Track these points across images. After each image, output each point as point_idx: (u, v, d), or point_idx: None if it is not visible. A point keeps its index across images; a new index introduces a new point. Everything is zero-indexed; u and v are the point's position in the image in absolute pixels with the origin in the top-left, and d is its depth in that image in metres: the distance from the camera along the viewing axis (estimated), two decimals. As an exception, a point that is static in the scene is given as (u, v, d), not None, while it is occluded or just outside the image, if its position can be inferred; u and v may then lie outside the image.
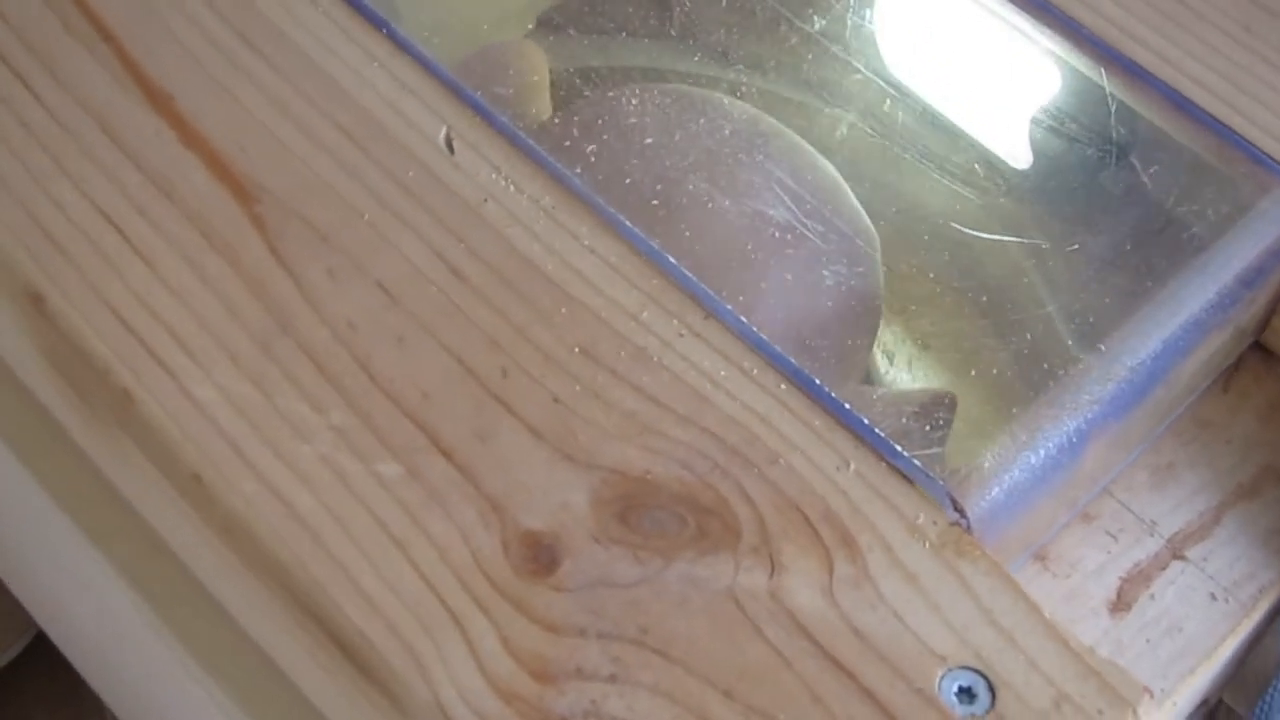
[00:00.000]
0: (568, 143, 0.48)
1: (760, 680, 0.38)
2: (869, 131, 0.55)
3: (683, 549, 0.40)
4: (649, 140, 0.49)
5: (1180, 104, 0.49)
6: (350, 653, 0.39)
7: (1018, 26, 0.52)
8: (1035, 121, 0.50)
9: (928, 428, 0.46)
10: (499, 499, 0.40)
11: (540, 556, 0.40)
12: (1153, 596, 0.47)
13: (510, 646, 0.38)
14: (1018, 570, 0.45)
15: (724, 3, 0.63)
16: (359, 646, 0.39)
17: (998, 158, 0.48)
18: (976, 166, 0.48)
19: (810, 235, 0.48)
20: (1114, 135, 0.48)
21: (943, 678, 0.39)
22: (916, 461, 0.41)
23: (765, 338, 0.43)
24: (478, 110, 0.47)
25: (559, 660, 0.38)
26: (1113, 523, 0.48)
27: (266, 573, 0.40)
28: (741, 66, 0.62)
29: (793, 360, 0.43)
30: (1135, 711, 0.38)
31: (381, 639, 0.38)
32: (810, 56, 0.59)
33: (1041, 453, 0.42)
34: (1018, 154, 0.55)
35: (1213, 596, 0.47)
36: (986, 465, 0.41)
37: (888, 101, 0.55)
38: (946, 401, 0.48)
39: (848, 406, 0.42)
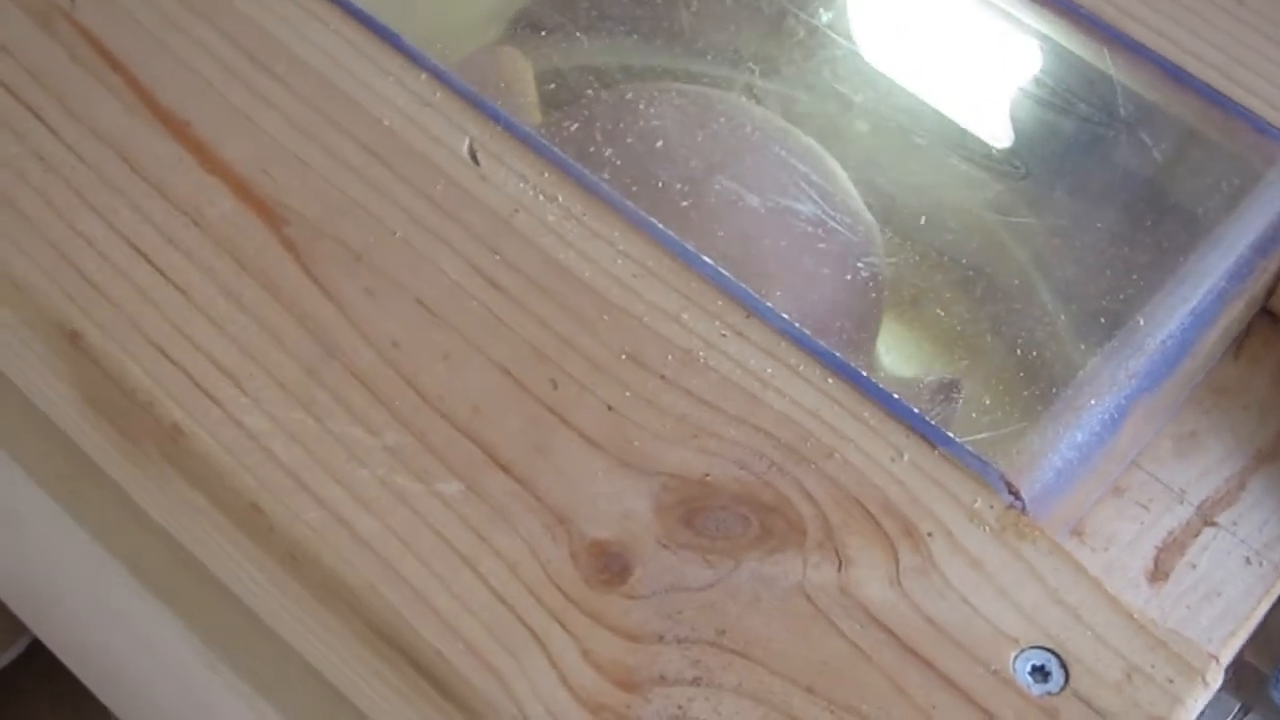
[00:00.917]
0: (591, 148, 0.48)
1: (840, 674, 0.39)
2: (862, 121, 0.56)
3: (750, 549, 0.40)
4: (668, 141, 0.49)
5: (1182, 79, 0.50)
6: (428, 674, 0.39)
7: (1011, 7, 0.53)
8: (1043, 103, 0.50)
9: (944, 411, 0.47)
10: (563, 510, 0.40)
11: (610, 565, 0.40)
12: (1189, 564, 0.48)
13: (591, 657, 0.38)
14: (1060, 547, 0.46)
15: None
16: (437, 667, 0.38)
17: (1020, 141, 0.49)
18: (993, 150, 0.48)
19: (830, 230, 0.48)
20: (1121, 113, 0.48)
21: (1016, 659, 0.39)
22: (968, 447, 0.42)
23: (809, 335, 0.43)
24: (498, 120, 0.47)
25: (641, 668, 0.38)
26: (1143, 494, 0.49)
27: (335, 599, 0.40)
28: (722, 60, 0.62)
29: (838, 354, 0.43)
30: (1204, 678, 0.39)
31: (460, 658, 0.38)
32: (787, 45, 0.60)
33: (1087, 430, 0.43)
34: (999, 134, 0.56)
35: (1247, 560, 0.48)
36: (1035, 446, 0.42)
37: (876, 89, 0.56)
38: (954, 386, 0.48)
39: (896, 397, 0.42)
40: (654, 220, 0.45)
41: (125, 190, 0.45)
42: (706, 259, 0.44)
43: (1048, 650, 0.39)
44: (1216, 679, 0.40)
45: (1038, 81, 0.50)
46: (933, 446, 0.42)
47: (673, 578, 0.40)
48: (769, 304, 0.44)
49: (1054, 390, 0.43)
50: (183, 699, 0.52)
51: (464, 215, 0.45)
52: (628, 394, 0.42)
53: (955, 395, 0.48)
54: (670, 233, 0.45)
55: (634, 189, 0.47)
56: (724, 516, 0.41)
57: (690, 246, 0.45)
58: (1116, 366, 0.44)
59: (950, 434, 0.42)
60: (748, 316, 0.44)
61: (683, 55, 0.65)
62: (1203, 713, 0.40)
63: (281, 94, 0.47)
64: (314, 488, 0.40)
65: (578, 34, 0.67)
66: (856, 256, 0.51)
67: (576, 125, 0.50)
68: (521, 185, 0.46)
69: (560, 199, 0.46)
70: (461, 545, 0.40)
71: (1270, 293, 0.52)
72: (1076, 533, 0.48)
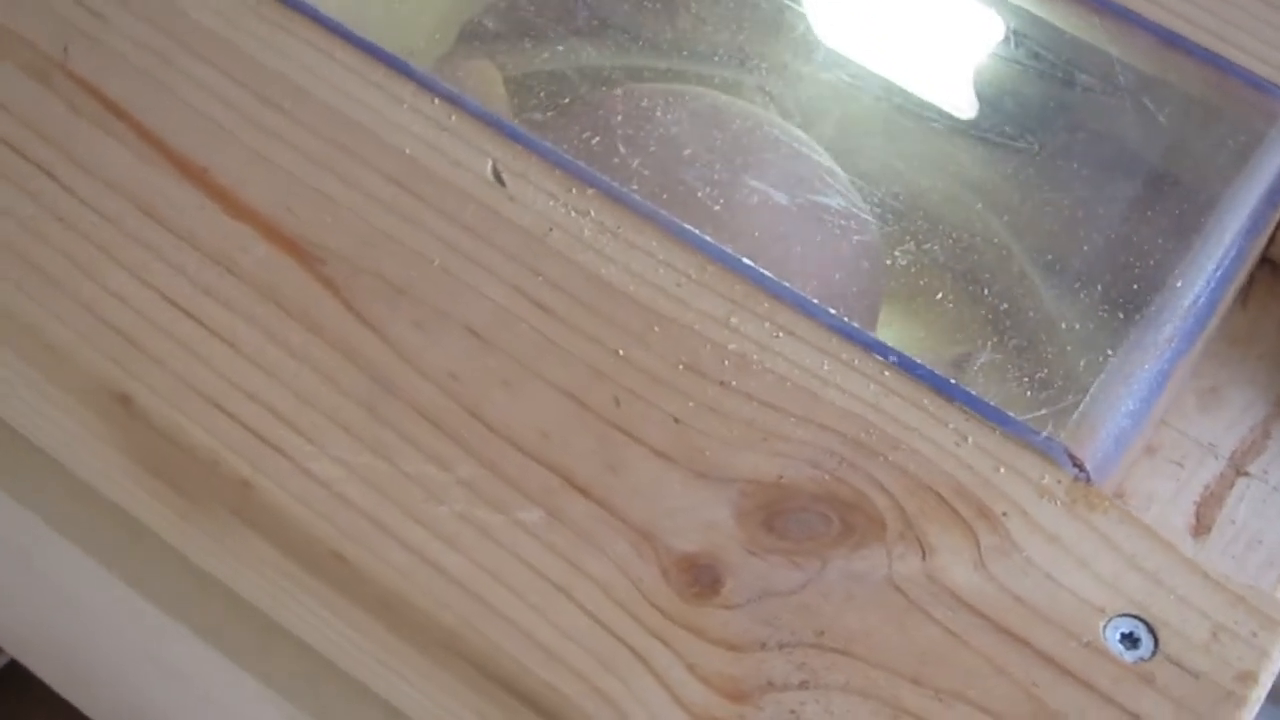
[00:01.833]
0: (616, 159, 0.48)
1: (941, 662, 0.39)
2: (864, 108, 0.56)
3: (834, 547, 0.41)
4: (680, 143, 0.49)
5: (1176, 42, 0.51)
6: (536, 706, 0.39)
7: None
8: (1045, 78, 0.51)
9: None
10: (646, 527, 0.40)
11: (701, 578, 0.40)
12: (1228, 515, 0.49)
13: (697, 672, 0.39)
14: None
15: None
16: (547, 698, 0.38)
17: (1030, 118, 0.50)
18: (1006, 126, 0.49)
19: (847, 220, 0.49)
20: (1121, 82, 0.49)
21: (1105, 628, 0.40)
22: (1029, 425, 0.42)
23: (859, 327, 0.44)
24: (517, 139, 0.47)
25: (748, 677, 0.39)
26: (1174, 451, 0.50)
27: (429, 642, 0.40)
28: (688, 56, 0.62)
29: (890, 346, 0.43)
30: (1284, 629, 0.40)
31: (570, 686, 0.38)
32: (744, 35, 0.60)
33: (1137, 397, 0.44)
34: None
35: (1282, 505, 0.49)
36: (1091, 417, 0.43)
37: (863, 74, 0.56)
38: (967, 359, 0.49)
39: (953, 382, 0.43)
40: (690, 227, 0.45)
41: (152, 243, 0.44)
42: (748, 261, 0.45)
43: (1134, 617, 0.40)
44: (1295, 628, 0.41)
45: (1036, 55, 0.51)
46: (994, 428, 0.43)
47: (764, 584, 0.40)
48: (815, 301, 0.44)
49: (1099, 360, 0.44)
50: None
51: (499, 238, 0.45)
52: (691, 404, 0.42)
53: (970, 369, 0.49)
54: (708, 238, 0.45)
55: (664, 196, 0.47)
56: (804, 517, 0.41)
57: (729, 250, 0.45)
58: (1157, 331, 0.45)
59: (1009, 413, 0.42)
60: (795, 315, 0.44)
61: (641, 53, 0.65)
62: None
63: (293, 130, 0.47)
64: (395, 530, 0.40)
65: (528, 40, 0.67)
66: (861, 242, 0.51)
67: (588, 134, 0.50)
68: (551, 203, 0.46)
69: (592, 213, 0.46)
70: (552, 573, 0.40)
71: (1269, 242, 0.53)
72: (1118, 495, 0.49)
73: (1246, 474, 0.50)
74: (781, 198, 0.47)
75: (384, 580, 0.40)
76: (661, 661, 0.39)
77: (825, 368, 0.43)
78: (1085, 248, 0.47)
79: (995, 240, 0.47)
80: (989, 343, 0.45)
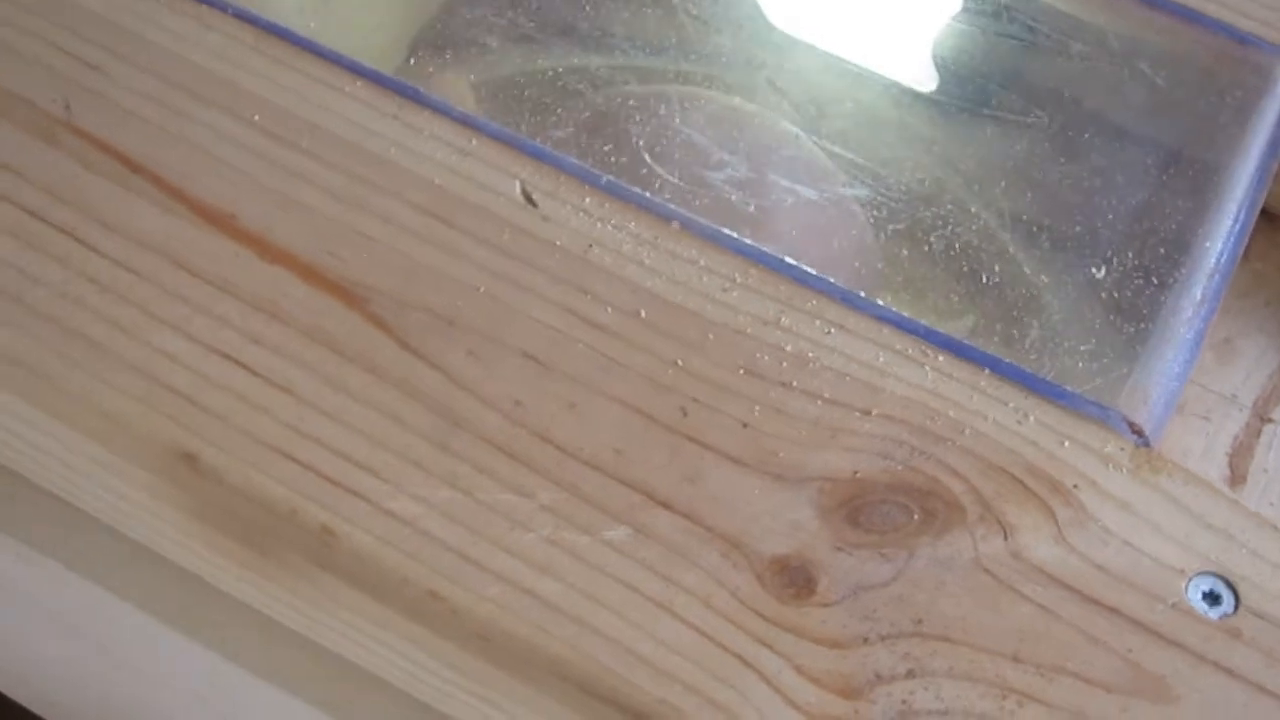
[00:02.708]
0: (645, 172, 0.48)
1: (1038, 638, 0.40)
2: (868, 95, 0.56)
3: (918, 535, 0.41)
4: (702, 146, 0.49)
5: (1156, 3, 0.52)
6: (654, 723, 0.39)
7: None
8: (1040, 50, 0.52)
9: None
10: (733, 535, 0.41)
11: (795, 580, 0.40)
12: (1259, 464, 0.50)
13: (806, 672, 0.39)
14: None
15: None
16: (663, 714, 0.38)
17: (1035, 92, 0.51)
18: (1014, 98, 0.50)
19: (853, 209, 0.49)
20: (1114, 47, 0.50)
21: (1187, 588, 0.41)
22: (1087, 397, 0.43)
23: (908, 316, 0.44)
24: (541, 157, 0.47)
25: (856, 672, 0.39)
26: (1199, 406, 0.51)
27: (533, 670, 0.39)
28: (650, 55, 0.62)
29: (939, 331, 0.44)
30: (1356, 570, 0.41)
31: (684, 700, 0.38)
32: (693, 30, 0.60)
33: (1180, 360, 0.45)
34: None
35: (1309, 448, 0.50)
36: (1142, 384, 0.44)
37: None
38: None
39: (1007, 361, 0.44)
40: (727, 231, 0.45)
41: (191, 297, 0.43)
42: (790, 260, 0.45)
43: (1213, 575, 0.41)
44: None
45: (1030, 29, 0.52)
46: (1053, 402, 0.43)
47: (856, 578, 0.40)
48: (861, 293, 0.44)
49: (1138, 327, 0.45)
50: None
51: (540, 260, 0.45)
52: (756, 408, 0.43)
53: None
54: (747, 240, 0.45)
55: (697, 203, 0.47)
56: (885, 509, 0.41)
57: (769, 250, 0.45)
58: (1188, 293, 0.46)
59: (1066, 387, 0.43)
60: (843, 309, 0.45)
61: (596, 51, 0.64)
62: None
63: (315, 168, 0.46)
64: (486, 562, 0.40)
65: (479, 48, 0.67)
66: (862, 230, 0.52)
67: (608, 146, 0.50)
68: (585, 218, 0.46)
69: (631, 226, 0.46)
70: (649, 589, 0.40)
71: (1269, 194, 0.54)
72: (1153, 454, 0.50)
73: (1271, 420, 0.51)
74: (810, 193, 0.47)
75: (481, 613, 0.39)
76: (770, 666, 0.39)
77: (880, 359, 0.44)
78: (1110, 216, 0.48)
79: (1024, 218, 0.48)
80: (1036, 319, 0.46)
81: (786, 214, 0.48)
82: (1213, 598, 0.41)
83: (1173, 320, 0.45)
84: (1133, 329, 0.45)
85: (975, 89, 0.50)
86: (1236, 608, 0.41)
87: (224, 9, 0.49)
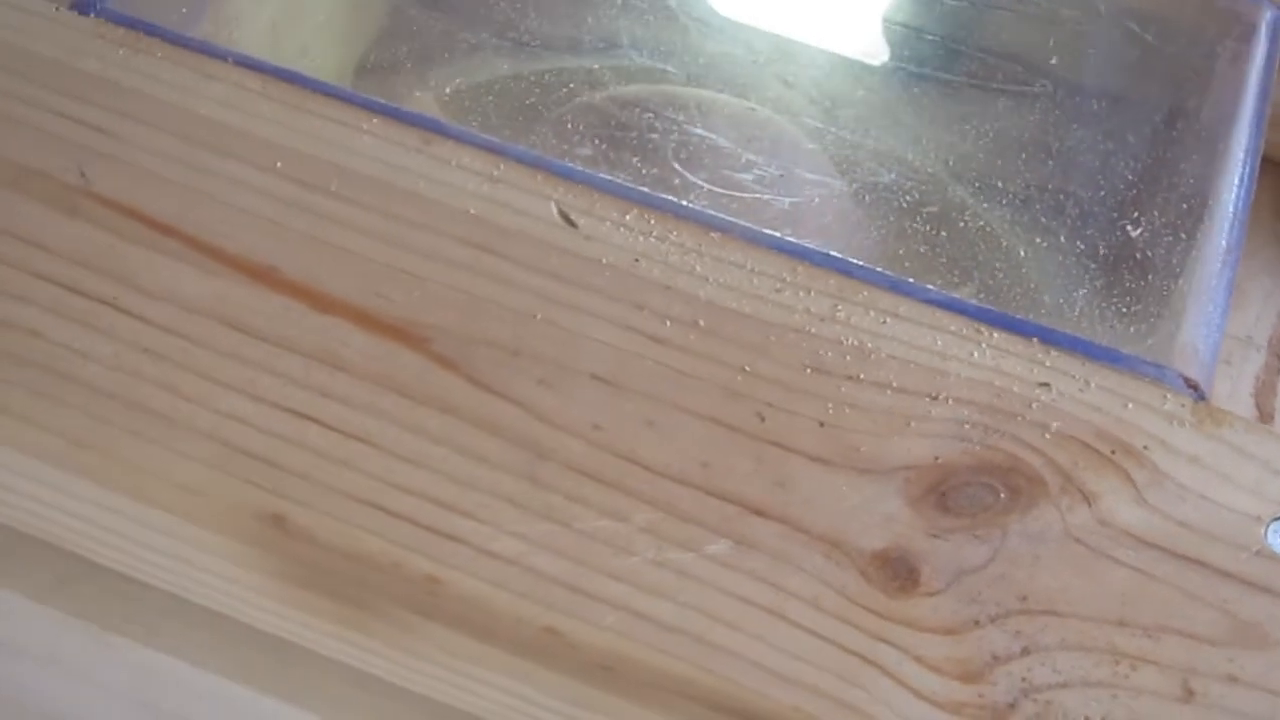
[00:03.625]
0: (677, 180, 0.48)
1: (1138, 600, 0.41)
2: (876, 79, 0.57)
3: (1008, 513, 0.42)
4: (720, 147, 0.50)
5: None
6: (788, 730, 0.39)
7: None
8: (1027, 18, 0.53)
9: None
10: (831, 535, 0.41)
11: (899, 571, 0.41)
12: (1283, 399, 0.52)
13: (927, 662, 0.40)
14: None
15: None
16: (795, 721, 0.39)
17: (1036, 62, 0.51)
18: (1018, 70, 0.51)
19: (882, 197, 0.50)
20: (1101, 10, 0.51)
21: (1267, 534, 0.42)
22: (1143, 358, 0.44)
23: (957, 297, 0.45)
24: (572, 176, 0.46)
25: (973, 656, 0.40)
26: (1219, 352, 0.53)
27: (662, 692, 0.40)
28: (601, 50, 0.62)
29: (990, 309, 0.45)
30: None
31: (814, 705, 0.39)
32: (647, 24, 0.60)
33: (1217, 309, 0.46)
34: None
35: (1326, 379, 0.52)
36: (1189, 339, 0.45)
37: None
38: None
39: (1060, 331, 0.44)
40: (769, 231, 0.46)
41: (249, 356, 0.43)
42: (835, 254, 0.45)
43: (1287, 517, 0.43)
44: None
45: None
46: (1109, 367, 0.44)
47: (956, 563, 0.41)
48: (910, 280, 0.45)
49: (1173, 283, 0.46)
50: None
51: (590, 279, 0.45)
52: (830, 406, 0.43)
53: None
54: (789, 238, 0.45)
55: (734, 206, 0.48)
56: (971, 491, 0.42)
57: (813, 246, 0.45)
58: (1215, 244, 0.47)
59: (1122, 350, 0.44)
60: (895, 297, 0.45)
61: (547, 55, 0.64)
62: None
63: (349, 211, 0.45)
64: (597, 591, 0.40)
65: (420, 66, 0.66)
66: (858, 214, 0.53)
67: (638, 159, 0.50)
68: (626, 233, 0.46)
69: (673, 236, 0.46)
70: (760, 599, 0.40)
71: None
72: (1183, 402, 0.52)
73: (1286, 357, 0.53)
74: (839, 184, 0.48)
75: (601, 643, 0.39)
76: (891, 660, 0.39)
77: (938, 343, 0.44)
78: (1129, 177, 0.49)
79: (1048, 187, 0.49)
80: (1079, 286, 0.47)
81: (816, 209, 0.49)
82: (1291, 540, 0.42)
83: (1204, 272, 0.47)
84: (1171, 285, 0.46)
85: (979, 64, 0.51)
86: (1315, 547, 0.42)
87: (224, 57, 0.48)
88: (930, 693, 0.39)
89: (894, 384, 0.44)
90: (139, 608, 0.45)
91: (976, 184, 0.49)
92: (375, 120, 0.47)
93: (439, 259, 0.45)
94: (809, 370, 0.44)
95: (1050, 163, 0.50)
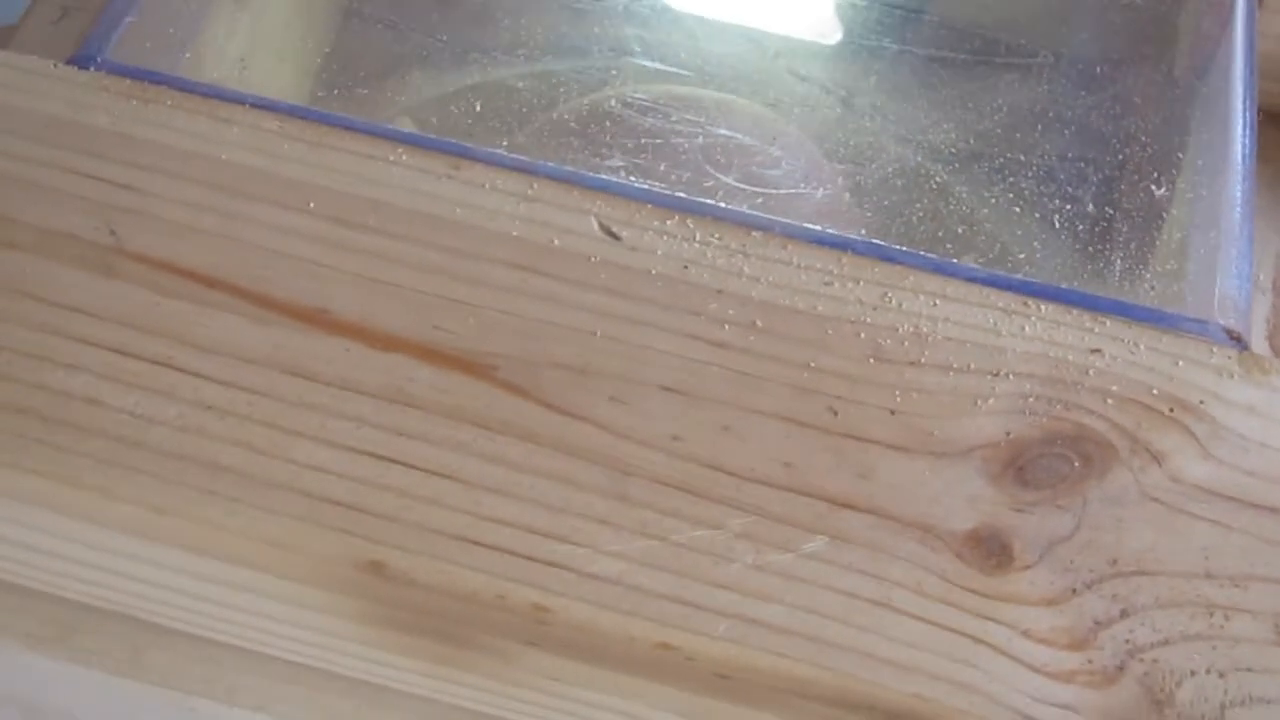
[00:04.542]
0: (708, 184, 0.48)
1: (1221, 551, 0.42)
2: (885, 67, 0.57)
3: (1084, 481, 0.43)
4: (743, 146, 0.50)
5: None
6: (913, 718, 0.39)
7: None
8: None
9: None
10: (921, 520, 0.42)
11: (993, 550, 0.41)
12: (1296, 340, 0.53)
13: (1034, 635, 0.40)
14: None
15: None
16: (919, 710, 0.39)
17: (1033, 34, 0.52)
18: (1021, 43, 0.51)
19: (919, 179, 0.51)
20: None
21: (1329, 475, 0.44)
22: (1187, 315, 0.45)
23: (1001, 274, 0.45)
24: (607, 188, 0.46)
25: (1076, 625, 0.40)
26: (1225, 296, 0.54)
27: (780, 695, 0.40)
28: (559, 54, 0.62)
29: (1034, 281, 0.45)
30: None
31: (933, 689, 0.39)
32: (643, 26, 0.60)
33: (1244, 259, 0.47)
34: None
35: (1331, 317, 0.54)
36: (1224, 291, 0.46)
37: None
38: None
39: (1103, 297, 0.45)
40: (809, 226, 0.46)
41: (316, 403, 0.42)
42: (877, 241, 0.46)
43: (1346, 455, 0.44)
44: None
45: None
46: (1154, 327, 0.45)
47: (1046, 536, 0.42)
48: (954, 260, 0.46)
49: (1206, 235, 0.47)
50: None
51: (642, 291, 0.45)
52: (897, 393, 0.43)
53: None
54: (830, 231, 0.46)
55: (774, 206, 0.48)
56: (1047, 462, 0.43)
57: (854, 237, 0.46)
58: (1231, 195, 0.48)
59: (1164, 310, 0.45)
60: (941, 279, 0.46)
61: (501, 61, 0.64)
62: None
63: (391, 245, 0.45)
64: (704, 602, 0.40)
65: (375, 82, 0.66)
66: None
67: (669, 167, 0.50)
68: (670, 240, 0.46)
69: (716, 239, 0.46)
70: (865, 591, 0.40)
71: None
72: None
73: (1291, 299, 0.54)
74: (862, 173, 0.48)
75: (717, 653, 0.39)
76: (1000, 638, 0.40)
77: (990, 320, 0.45)
78: (1143, 138, 0.50)
79: (1069, 155, 0.50)
80: (1115, 251, 0.48)
81: (844, 200, 0.49)
82: (1351, 477, 0.44)
83: (1226, 224, 0.48)
84: (1201, 240, 0.47)
85: (982, 43, 0.52)
86: (1376, 481, 0.44)
87: (240, 101, 0.47)
88: (1042, 665, 0.40)
89: (954, 365, 0.44)
90: (216, 669, 0.44)
91: (997, 160, 0.50)
92: (401, 150, 0.46)
93: (488, 285, 0.44)
94: (871, 360, 0.44)
95: (1066, 131, 0.51)
